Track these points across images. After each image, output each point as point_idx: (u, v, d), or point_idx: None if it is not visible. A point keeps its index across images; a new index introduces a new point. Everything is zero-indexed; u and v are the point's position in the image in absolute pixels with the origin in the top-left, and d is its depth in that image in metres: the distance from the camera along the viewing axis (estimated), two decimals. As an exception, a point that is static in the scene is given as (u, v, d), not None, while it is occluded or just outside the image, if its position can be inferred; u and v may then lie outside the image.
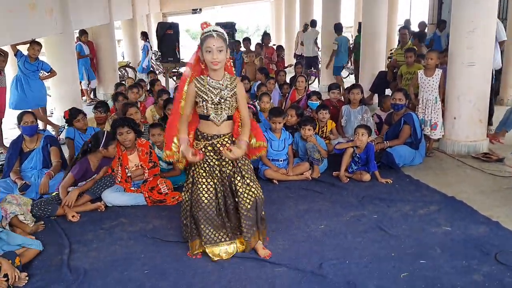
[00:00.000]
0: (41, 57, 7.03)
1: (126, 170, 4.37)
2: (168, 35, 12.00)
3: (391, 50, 10.83)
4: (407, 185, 4.54)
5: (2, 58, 6.18)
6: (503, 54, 8.11)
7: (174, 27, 12.27)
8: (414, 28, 10.72)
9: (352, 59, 10.67)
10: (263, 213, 3.23)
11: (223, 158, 3.07)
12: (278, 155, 4.83)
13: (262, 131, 5.13)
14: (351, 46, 10.35)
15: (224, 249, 3.16)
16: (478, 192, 4.30)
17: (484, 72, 5.31)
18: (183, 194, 3.23)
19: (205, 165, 3.09)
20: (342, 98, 6.65)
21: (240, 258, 3.14)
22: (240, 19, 30.28)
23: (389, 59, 9.43)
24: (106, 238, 3.56)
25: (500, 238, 3.33)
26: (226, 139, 3.08)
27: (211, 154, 3.09)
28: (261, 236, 3.27)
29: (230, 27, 13.52)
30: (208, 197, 3.09)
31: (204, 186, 3.09)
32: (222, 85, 3.00)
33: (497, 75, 7.94)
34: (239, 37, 13.49)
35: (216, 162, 3.10)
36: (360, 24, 9.27)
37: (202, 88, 2.99)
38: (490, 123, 6.07)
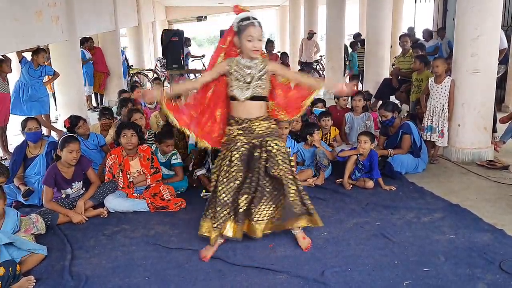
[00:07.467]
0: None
1: (128, 176, 4.37)
2: (173, 42, 12.10)
3: (395, 57, 10.82)
4: (411, 192, 4.52)
5: (5, 64, 6.23)
6: (508, 62, 8.09)
7: (179, 34, 12.36)
8: (419, 35, 10.70)
9: None
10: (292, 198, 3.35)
11: (253, 142, 3.20)
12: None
13: None
14: None
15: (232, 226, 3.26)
16: (482, 199, 4.27)
17: (488, 80, 5.28)
18: (212, 177, 3.32)
19: (238, 146, 3.19)
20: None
21: (242, 266, 3.12)
22: (245, 26, 30.34)
23: (393, 66, 9.39)
24: (108, 244, 3.55)
25: (504, 246, 3.30)
26: (258, 122, 3.21)
27: (241, 138, 3.20)
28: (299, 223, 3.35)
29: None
30: (237, 174, 3.17)
31: (234, 164, 3.17)
32: (255, 65, 3.14)
33: (500, 82, 7.92)
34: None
35: (246, 146, 3.20)
36: None
37: (236, 68, 3.15)
38: (494, 130, 6.04)
